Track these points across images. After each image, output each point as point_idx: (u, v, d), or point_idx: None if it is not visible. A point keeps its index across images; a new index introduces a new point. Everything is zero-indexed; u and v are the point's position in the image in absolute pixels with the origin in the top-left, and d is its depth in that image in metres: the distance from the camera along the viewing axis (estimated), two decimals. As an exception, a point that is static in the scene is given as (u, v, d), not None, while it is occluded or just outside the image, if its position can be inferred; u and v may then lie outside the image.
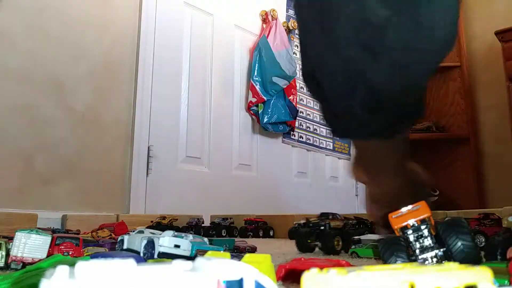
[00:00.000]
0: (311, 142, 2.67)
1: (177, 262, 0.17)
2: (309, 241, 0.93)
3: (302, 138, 2.61)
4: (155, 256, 0.64)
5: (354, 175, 0.71)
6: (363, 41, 0.47)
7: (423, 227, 0.43)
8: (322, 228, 0.93)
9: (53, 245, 0.61)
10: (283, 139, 2.51)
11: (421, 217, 0.43)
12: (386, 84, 0.49)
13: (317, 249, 0.96)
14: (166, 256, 0.63)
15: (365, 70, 0.48)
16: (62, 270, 0.15)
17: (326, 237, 0.90)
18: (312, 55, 0.54)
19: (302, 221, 1.52)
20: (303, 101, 2.62)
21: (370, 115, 0.52)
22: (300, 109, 2.52)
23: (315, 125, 2.71)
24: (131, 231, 0.91)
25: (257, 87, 2.26)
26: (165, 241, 0.64)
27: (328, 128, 0.63)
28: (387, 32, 0.46)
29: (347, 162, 2.88)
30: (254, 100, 2.27)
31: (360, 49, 0.48)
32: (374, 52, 0.47)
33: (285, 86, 2.30)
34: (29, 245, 0.58)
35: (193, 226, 1.58)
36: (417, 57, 0.48)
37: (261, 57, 2.27)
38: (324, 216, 0.98)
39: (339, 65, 0.50)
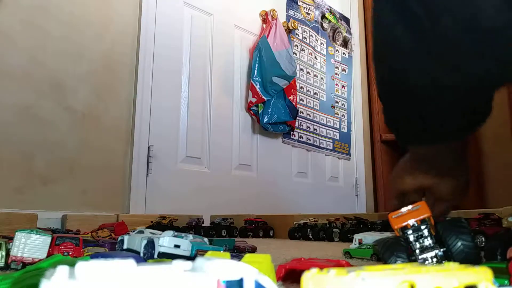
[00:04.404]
0: (311, 142, 2.67)
1: (177, 262, 0.17)
2: None
3: (302, 138, 2.61)
4: (155, 256, 0.64)
5: (411, 184, 0.62)
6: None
7: (423, 227, 0.43)
8: None
9: (53, 245, 0.61)
10: (283, 139, 2.51)
11: (421, 217, 0.43)
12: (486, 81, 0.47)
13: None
14: (166, 256, 0.63)
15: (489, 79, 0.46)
16: (62, 270, 0.15)
17: None
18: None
19: (303, 221, 1.52)
20: (303, 101, 2.62)
21: (451, 117, 0.49)
22: (300, 109, 2.52)
23: (315, 125, 2.71)
24: (131, 231, 0.91)
25: (257, 87, 2.26)
26: (165, 241, 0.64)
27: (396, 133, 0.57)
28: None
29: (346, 162, 2.88)
30: (254, 100, 2.27)
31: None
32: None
33: (285, 86, 2.30)
34: (29, 245, 0.58)
35: (193, 226, 1.58)
36: None
37: (261, 57, 2.27)
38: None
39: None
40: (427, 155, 0.57)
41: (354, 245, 0.89)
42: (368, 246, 0.82)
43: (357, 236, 0.90)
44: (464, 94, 0.48)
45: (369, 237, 0.87)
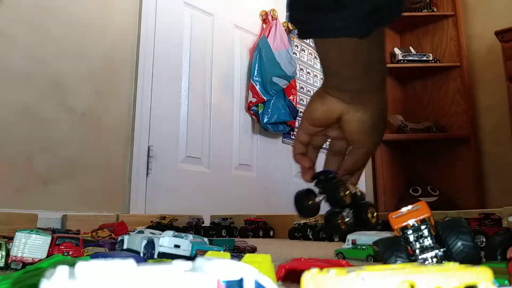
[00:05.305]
0: (311, 142, 2.67)
1: (177, 262, 0.17)
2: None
3: (302, 138, 2.61)
4: (155, 256, 0.64)
5: (321, 111, 0.53)
6: None
7: (423, 227, 0.43)
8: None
9: (53, 245, 0.61)
10: (283, 139, 2.51)
11: (421, 217, 0.43)
12: None
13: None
14: (166, 256, 0.63)
15: None
16: (62, 270, 0.15)
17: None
18: None
19: (303, 221, 1.52)
20: (303, 101, 2.62)
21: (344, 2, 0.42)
22: (300, 109, 2.52)
23: (315, 125, 2.71)
24: (131, 231, 0.91)
25: (257, 87, 2.26)
26: (165, 241, 0.64)
27: (294, 26, 0.48)
28: None
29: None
30: (254, 100, 2.27)
31: None
32: None
33: (285, 86, 2.31)
34: (29, 245, 0.58)
35: (193, 226, 1.58)
36: None
37: (261, 57, 2.27)
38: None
39: None
40: (337, 60, 0.48)
41: (347, 245, 0.82)
42: (364, 247, 0.78)
43: (350, 236, 0.83)
44: None
45: (364, 237, 0.81)
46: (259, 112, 2.29)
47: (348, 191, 0.57)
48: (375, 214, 0.64)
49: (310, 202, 0.58)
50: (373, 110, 0.51)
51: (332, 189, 0.56)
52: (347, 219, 0.59)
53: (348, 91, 0.50)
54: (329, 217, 0.59)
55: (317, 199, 0.57)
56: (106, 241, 0.87)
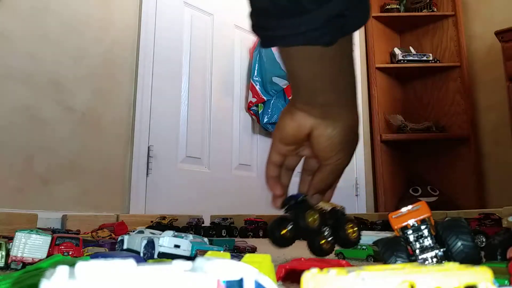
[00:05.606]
0: (311, 142, 2.67)
1: (177, 262, 0.17)
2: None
3: (302, 138, 2.61)
4: (155, 256, 0.64)
5: (290, 127, 0.50)
6: None
7: (423, 227, 0.43)
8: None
9: (53, 245, 0.61)
10: (283, 139, 2.51)
11: (421, 217, 0.43)
12: None
13: None
14: (166, 256, 0.63)
15: None
16: (62, 270, 0.15)
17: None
18: None
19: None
20: (303, 101, 2.62)
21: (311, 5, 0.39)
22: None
23: (315, 125, 2.71)
24: (131, 231, 0.91)
25: (257, 87, 2.26)
26: (165, 241, 0.64)
27: (256, 34, 0.45)
28: None
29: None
30: (254, 100, 2.27)
31: None
32: None
33: (285, 86, 2.30)
34: (29, 245, 0.58)
35: (193, 226, 1.57)
36: None
37: (261, 57, 2.27)
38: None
39: None
40: (297, 67, 0.46)
41: None
42: (364, 247, 0.77)
43: None
44: None
45: (364, 237, 0.78)
46: (259, 112, 2.29)
47: (317, 215, 0.55)
48: (355, 229, 0.61)
49: (282, 232, 0.55)
50: (343, 126, 0.49)
51: (297, 217, 0.54)
52: (329, 238, 0.57)
53: (318, 105, 0.48)
54: (311, 241, 0.57)
55: (289, 227, 0.55)
56: (106, 241, 0.87)
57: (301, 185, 0.59)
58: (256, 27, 0.45)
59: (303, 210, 0.54)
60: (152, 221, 1.53)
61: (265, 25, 0.43)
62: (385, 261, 0.42)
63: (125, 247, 0.73)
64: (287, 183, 0.59)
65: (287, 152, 0.55)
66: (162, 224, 1.46)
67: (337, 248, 0.74)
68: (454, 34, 2.93)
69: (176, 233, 0.67)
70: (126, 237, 0.74)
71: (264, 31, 0.44)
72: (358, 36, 3.15)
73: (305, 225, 0.53)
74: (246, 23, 0.49)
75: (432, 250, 0.42)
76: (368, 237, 0.81)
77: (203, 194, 2.04)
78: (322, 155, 0.51)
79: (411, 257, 0.42)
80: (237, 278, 0.17)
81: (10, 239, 0.62)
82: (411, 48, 3.04)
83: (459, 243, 0.41)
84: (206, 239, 0.72)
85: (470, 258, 0.40)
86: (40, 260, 0.57)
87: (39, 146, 1.55)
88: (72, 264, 0.15)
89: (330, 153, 0.50)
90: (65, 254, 0.61)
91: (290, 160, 0.57)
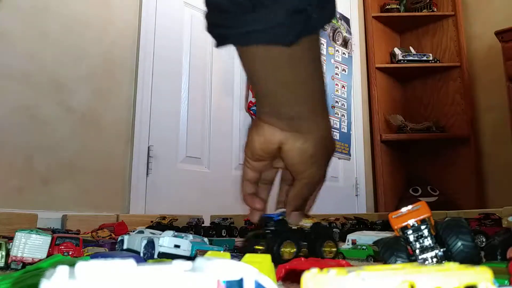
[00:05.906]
0: (311, 142, 2.67)
1: (177, 262, 0.17)
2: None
3: (302, 138, 2.61)
4: (155, 256, 0.64)
5: (257, 142, 0.47)
6: None
7: (423, 227, 0.43)
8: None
9: (53, 245, 0.61)
10: (283, 139, 2.51)
11: (421, 217, 0.43)
12: None
13: None
14: (166, 256, 0.63)
15: None
16: (62, 270, 0.15)
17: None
18: None
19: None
20: (303, 101, 2.62)
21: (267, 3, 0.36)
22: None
23: (315, 125, 2.71)
24: (131, 231, 0.91)
25: (257, 87, 2.26)
26: (165, 241, 0.64)
27: (210, 33, 0.41)
28: None
29: (346, 162, 2.88)
30: (254, 100, 2.27)
31: None
32: None
33: (285, 86, 2.31)
34: (29, 245, 0.58)
35: (193, 226, 1.57)
36: None
37: (261, 57, 2.27)
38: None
39: None
40: (258, 72, 0.42)
41: (347, 245, 0.82)
42: (364, 247, 0.77)
43: (350, 236, 0.82)
44: None
45: (364, 237, 0.81)
46: (259, 112, 2.29)
47: (293, 250, 0.54)
48: (333, 249, 0.60)
49: (256, 247, 0.55)
50: (314, 138, 0.45)
51: (271, 246, 0.53)
52: (293, 250, 0.56)
53: (285, 117, 0.44)
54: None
55: (262, 248, 0.54)
56: (106, 241, 0.87)
57: (281, 194, 0.57)
58: (212, 27, 0.41)
59: (279, 240, 0.52)
60: (152, 221, 1.52)
61: (222, 23, 0.39)
62: (385, 261, 0.42)
63: (125, 247, 0.73)
64: (265, 197, 0.55)
65: (261, 168, 0.51)
66: (162, 224, 1.46)
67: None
68: (454, 34, 2.93)
69: (176, 233, 0.67)
70: (126, 237, 0.74)
71: (221, 29, 0.40)
72: (358, 36, 3.15)
73: (278, 258, 0.52)
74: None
75: (432, 250, 0.42)
76: (368, 237, 0.81)
77: (203, 194, 2.04)
78: (295, 169, 0.47)
79: (411, 257, 0.42)
80: (237, 278, 0.17)
81: (10, 239, 0.62)
82: (411, 48, 3.05)
83: (459, 243, 0.41)
84: (206, 239, 0.72)
85: (470, 258, 0.40)
86: (40, 260, 0.57)
87: (39, 146, 1.55)
88: (72, 264, 0.15)
89: (303, 167, 0.47)
90: (65, 254, 0.61)
91: (266, 174, 0.53)
